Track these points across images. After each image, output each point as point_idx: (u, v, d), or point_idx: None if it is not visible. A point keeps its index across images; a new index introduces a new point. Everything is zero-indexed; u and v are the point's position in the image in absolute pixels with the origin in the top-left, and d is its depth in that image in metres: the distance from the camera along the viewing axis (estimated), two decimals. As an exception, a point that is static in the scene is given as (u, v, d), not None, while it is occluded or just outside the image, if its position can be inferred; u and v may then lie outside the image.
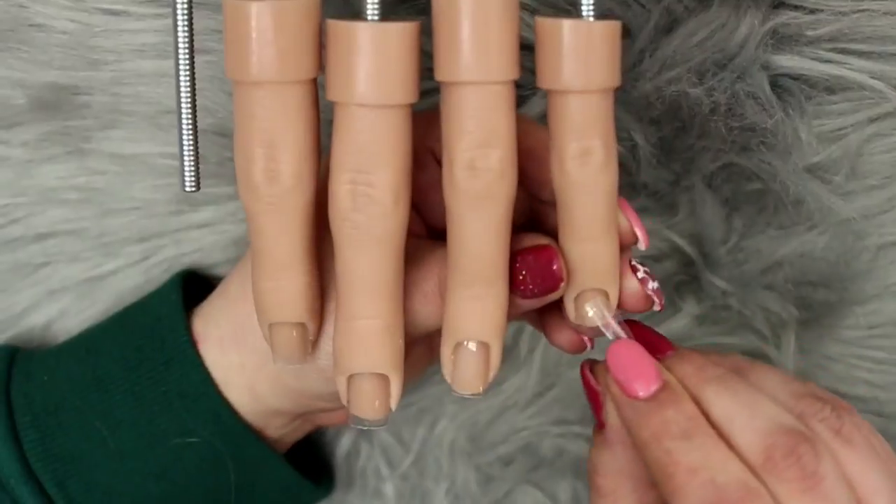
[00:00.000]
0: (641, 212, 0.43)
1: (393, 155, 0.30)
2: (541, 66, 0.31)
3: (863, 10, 0.39)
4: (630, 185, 0.43)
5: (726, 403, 0.31)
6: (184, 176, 0.34)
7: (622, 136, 0.42)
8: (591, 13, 0.30)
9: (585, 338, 0.36)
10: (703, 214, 0.44)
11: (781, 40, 0.40)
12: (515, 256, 0.33)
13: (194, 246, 0.44)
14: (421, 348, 0.40)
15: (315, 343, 0.34)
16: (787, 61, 0.40)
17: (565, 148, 0.31)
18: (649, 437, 0.31)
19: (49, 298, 0.44)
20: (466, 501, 0.50)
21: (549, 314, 0.36)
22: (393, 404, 0.33)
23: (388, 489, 0.49)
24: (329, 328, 0.34)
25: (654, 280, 0.35)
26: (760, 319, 0.46)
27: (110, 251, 0.44)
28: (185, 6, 0.32)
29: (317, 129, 0.31)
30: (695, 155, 0.42)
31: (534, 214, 0.37)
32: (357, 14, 0.30)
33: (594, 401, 0.34)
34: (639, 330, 0.34)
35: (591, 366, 0.34)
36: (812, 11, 0.39)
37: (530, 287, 0.33)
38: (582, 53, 0.30)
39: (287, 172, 0.30)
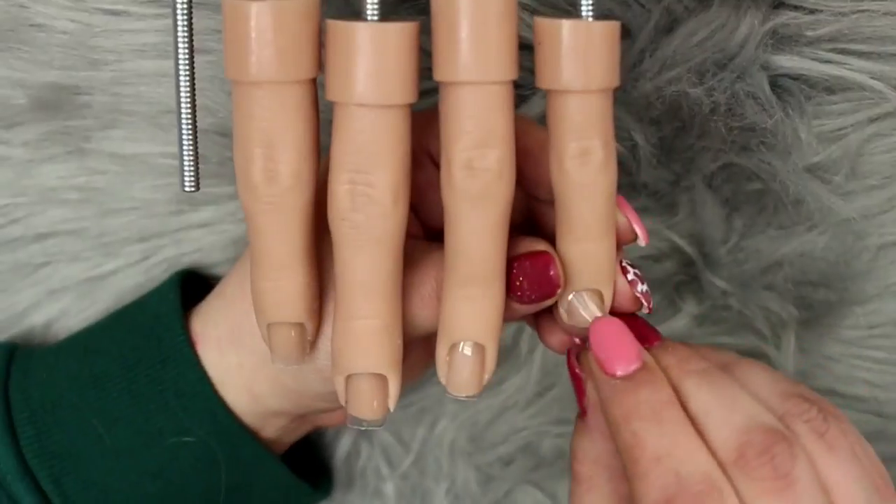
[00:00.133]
0: (641, 212, 0.43)
1: (392, 155, 0.30)
2: (540, 66, 0.31)
3: (863, 11, 0.39)
4: (630, 185, 0.43)
5: (705, 397, 0.31)
6: (183, 176, 0.34)
7: (622, 136, 0.42)
8: (591, 13, 0.30)
9: (577, 339, 0.36)
10: (703, 214, 0.44)
11: (781, 40, 0.40)
12: (513, 262, 0.33)
13: (194, 246, 0.44)
14: (419, 350, 0.40)
15: (314, 343, 0.34)
16: (787, 61, 0.40)
17: (565, 148, 0.31)
18: (620, 417, 0.31)
19: (49, 298, 0.44)
20: (466, 501, 0.50)
21: (543, 315, 0.36)
22: (391, 404, 0.33)
23: (389, 489, 0.49)
24: (328, 328, 0.34)
25: (643, 283, 0.35)
26: (760, 319, 0.46)
27: (110, 251, 0.44)
28: (185, 6, 0.32)
29: (316, 129, 0.31)
30: (695, 155, 0.43)
31: (531, 214, 0.37)
32: (357, 14, 0.30)
33: (577, 386, 0.34)
34: (630, 321, 0.34)
35: (578, 353, 0.34)
36: (812, 11, 0.39)
37: (527, 293, 0.33)
38: (581, 54, 0.30)
39: (286, 172, 0.30)
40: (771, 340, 0.47)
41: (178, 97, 0.33)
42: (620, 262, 0.35)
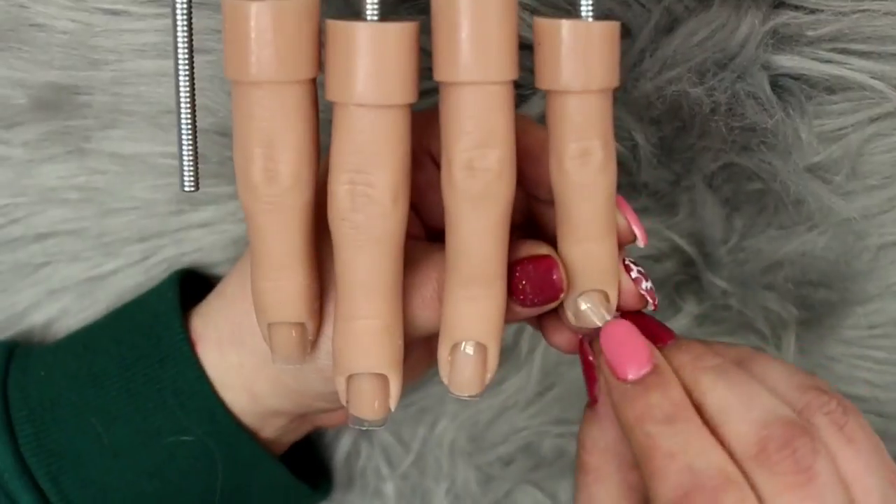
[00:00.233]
0: (641, 212, 0.43)
1: (392, 155, 0.30)
2: (540, 66, 0.31)
3: (863, 11, 0.39)
4: (630, 185, 0.43)
5: (722, 393, 0.31)
6: (183, 176, 0.34)
7: (622, 136, 0.42)
8: (591, 13, 0.30)
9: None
10: (703, 214, 0.44)
11: (782, 40, 0.40)
12: (515, 266, 0.33)
13: (194, 246, 0.44)
14: (420, 350, 0.40)
15: (314, 343, 0.34)
16: (788, 61, 0.40)
17: (564, 148, 0.31)
18: (633, 420, 0.31)
19: (49, 298, 0.44)
20: (466, 501, 0.50)
21: (547, 315, 0.36)
22: (392, 404, 0.33)
23: (389, 489, 0.49)
24: (329, 329, 0.34)
25: (647, 280, 0.35)
26: (761, 319, 0.46)
27: (110, 251, 0.44)
28: (185, 6, 0.32)
29: (316, 129, 0.31)
30: (695, 155, 0.42)
31: (532, 214, 0.37)
32: (357, 14, 0.30)
33: (589, 375, 0.34)
34: (641, 320, 0.34)
35: (591, 340, 0.34)
36: (812, 11, 0.39)
37: (531, 297, 0.33)
38: (581, 54, 0.30)
39: (286, 172, 0.30)
40: (771, 340, 0.47)
41: (178, 97, 0.33)
42: (623, 260, 0.35)
